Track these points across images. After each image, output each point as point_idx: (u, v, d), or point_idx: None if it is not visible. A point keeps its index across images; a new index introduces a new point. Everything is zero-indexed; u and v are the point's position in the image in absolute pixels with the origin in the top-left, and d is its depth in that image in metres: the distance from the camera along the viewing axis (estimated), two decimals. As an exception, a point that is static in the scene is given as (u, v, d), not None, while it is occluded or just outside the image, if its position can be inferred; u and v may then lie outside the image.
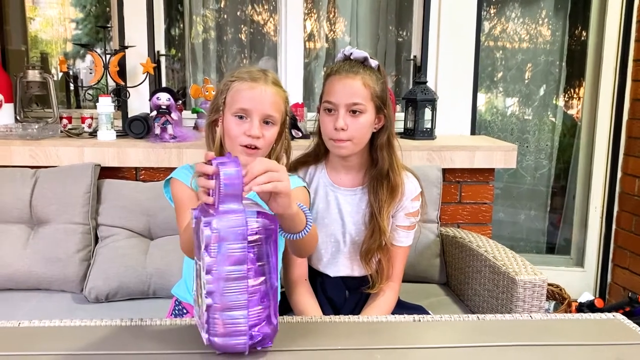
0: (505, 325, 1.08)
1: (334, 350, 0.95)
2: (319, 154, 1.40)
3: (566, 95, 2.74)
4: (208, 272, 0.84)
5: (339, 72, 1.29)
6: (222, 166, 0.85)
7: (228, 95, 1.18)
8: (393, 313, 1.38)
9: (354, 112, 1.27)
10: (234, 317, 0.86)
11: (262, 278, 0.88)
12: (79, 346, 0.94)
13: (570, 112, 2.77)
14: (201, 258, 0.86)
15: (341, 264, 1.41)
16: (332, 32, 2.64)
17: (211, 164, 0.89)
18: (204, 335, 0.89)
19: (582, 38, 2.64)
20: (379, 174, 1.33)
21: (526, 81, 2.70)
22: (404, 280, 1.46)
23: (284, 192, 0.90)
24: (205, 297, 0.85)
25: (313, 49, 2.59)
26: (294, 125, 2.06)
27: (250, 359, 0.90)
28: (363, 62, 1.30)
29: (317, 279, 1.42)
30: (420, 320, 1.08)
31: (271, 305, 0.90)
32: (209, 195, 0.89)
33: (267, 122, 1.17)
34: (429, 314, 1.44)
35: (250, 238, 0.85)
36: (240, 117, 1.16)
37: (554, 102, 2.72)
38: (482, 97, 2.74)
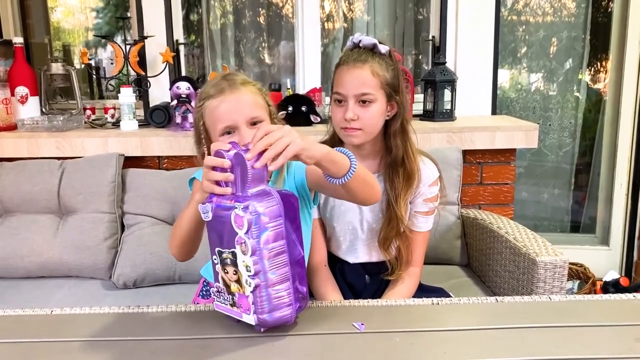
0: (524, 307, 1.09)
1: (353, 334, 0.97)
2: (335, 143, 1.39)
3: (591, 70, 2.68)
4: (253, 253, 0.88)
5: (347, 62, 1.28)
6: (245, 153, 0.89)
7: (205, 119, 1.12)
8: (414, 296, 1.39)
9: (364, 102, 1.26)
10: (280, 290, 0.92)
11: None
12: (109, 332, 0.98)
13: (595, 87, 2.70)
14: (238, 244, 0.89)
15: (360, 251, 1.42)
16: (350, 12, 2.62)
17: (222, 157, 0.91)
18: (250, 317, 0.93)
19: (609, 10, 2.57)
20: (394, 161, 1.32)
21: (550, 56, 2.64)
22: (425, 263, 1.46)
23: (291, 150, 0.89)
24: (252, 278, 0.90)
25: (332, 30, 2.57)
26: (312, 110, 2.06)
27: (272, 342, 0.93)
28: (372, 49, 1.29)
29: (336, 265, 1.44)
30: (438, 303, 1.09)
31: (296, 274, 0.95)
32: (219, 186, 0.92)
33: (254, 124, 1.11)
34: (449, 296, 1.45)
35: None
36: (229, 133, 1.10)
37: (579, 77, 2.66)
38: (505, 74, 2.70)
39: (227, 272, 0.93)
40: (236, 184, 0.91)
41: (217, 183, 0.92)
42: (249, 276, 0.90)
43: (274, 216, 0.90)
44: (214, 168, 0.92)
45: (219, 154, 0.92)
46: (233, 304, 0.95)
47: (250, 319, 0.93)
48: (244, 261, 0.90)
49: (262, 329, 0.95)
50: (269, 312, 0.92)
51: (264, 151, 0.89)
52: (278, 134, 0.90)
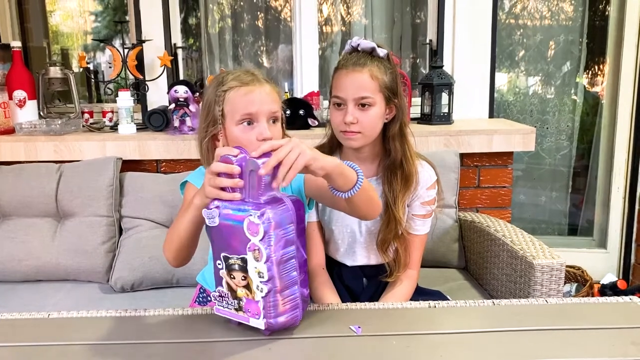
0: (520, 310, 1.09)
1: (350, 337, 0.97)
2: (333, 146, 1.40)
3: (588, 73, 2.69)
4: (267, 260, 0.89)
5: (345, 66, 1.28)
6: (259, 160, 0.90)
7: (226, 106, 1.12)
8: (411, 299, 1.39)
9: (363, 105, 1.27)
10: (290, 294, 0.95)
11: None
12: (106, 336, 0.99)
13: (592, 90, 2.71)
14: (250, 250, 0.90)
15: (358, 254, 1.42)
16: (348, 16, 2.62)
17: (230, 162, 0.91)
18: (260, 322, 0.94)
19: (606, 13, 2.58)
20: (392, 164, 1.33)
21: (548, 59, 2.65)
22: (423, 266, 1.47)
23: (301, 161, 0.91)
24: (265, 284, 0.91)
25: (330, 33, 2.58)
26: (310, 113, 2.07)
27: (269, 346, 0.93)
28: (371, 52, 1.29)
29: (334, 268, 1.44)
30: (435, 306, 1.09)
31: (300, 277, 0.98)
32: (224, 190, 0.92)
33: (273, 122, 1.13)
34: (447, 299, 1.45)
35: None
36: (248, 124, 1.11)
37: (576, 80, 2.66)
38: (502, 77, 2.71)
39: (234, 278, 0.94)
40: (245, 190, 0.92)
41: (222, 189, 0.92)
42: (261, 282, 0.91)
43: (286, 223, 0.91)
44: (218, 174, 0.92)
45: (226, 160, 0.91)
46: (239, 309, 0.95)
47: (259, 323, 0.94)
48: (256, 267, 0.90)
49: (268, 332, 0.96)
50: (279, 315, 0.94)
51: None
52: (287, 148, 0.91)
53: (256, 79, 1.13)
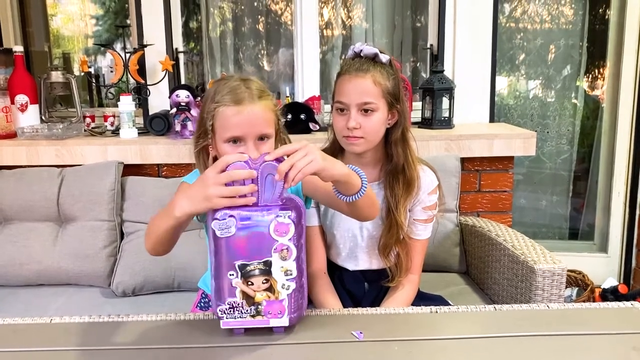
0: (522, 315, 1.09)
1: (352, 343, 0.97)
2: (335, 151, 1.40)
3: (589, 77, 2.69)
4: (296, 257, 0.93)
5: (348, 72, 1.29)
6: (275, 164, 0.92)
7: (215, 122, 1.10)
8: (413, 304, 1.39)
9: (366, 110, 1.28)
10: (303, 286, 0.97)
11: None
12: (108, 341, 0.99)
13: (592, 94, 2.71)
14: (276, 251, 0.92)
15: (360, 258, 1.42)
16: (349, 19, 2.63)
17: (244, 168, 0.91)
18: (284, 320, 0.96)
19: (606, 17, 2.58)
20: (394, 169, 1.34)
21: (548, 63, 2.66)
22: (424, 270, 1.47)
23: (310, 168, 0.93)
24: (291, 281, 0.94)
25: (330, 37, 2.58)
26: (311, 118, 2.07)
27: (271, 351, 0.94)
28: (373, 58, 1.30)
29: (335, 272, 1.44)
30: (437, 312, 1.09)
31: None
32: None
33: (262, 139, 1.10)
34: (448, 304, 1.45)
35: None
36: (235, 142, 1.09)
37: (576, 84, 2.67)
38: (503, 81, 2.71)
39: (252, 284, 0.94)
40: (260, 194, 0.92)
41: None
42: (287, 280, 0.93)
43: (301, 218, 0.94)
44: (226, 183, 0.91)
45: (237, 167, 0.91)
46: (257, 314, 0.95)
47: (282, 321, 0.96)
48: (282, 267, 0.93)
49: (283, 330, 0.97)
50: (298, 309, 0.96)
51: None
52: (301, 153, 0.92)
53: (249, 97, 1.09)
